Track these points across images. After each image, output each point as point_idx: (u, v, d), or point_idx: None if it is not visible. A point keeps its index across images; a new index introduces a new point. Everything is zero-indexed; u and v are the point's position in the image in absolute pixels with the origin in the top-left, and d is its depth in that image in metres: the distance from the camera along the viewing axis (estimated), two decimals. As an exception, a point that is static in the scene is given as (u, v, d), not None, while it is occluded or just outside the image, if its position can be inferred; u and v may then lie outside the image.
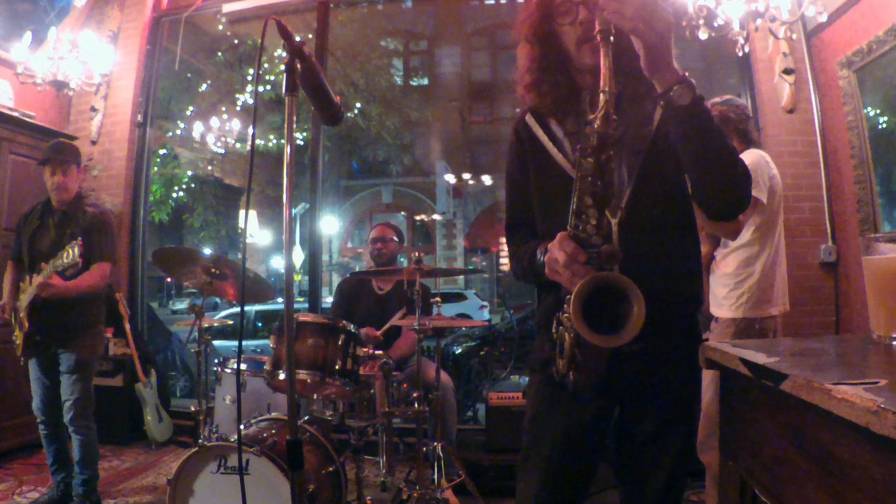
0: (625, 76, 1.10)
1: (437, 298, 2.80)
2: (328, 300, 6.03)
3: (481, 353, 5.34)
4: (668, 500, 1.23)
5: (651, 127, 1.16)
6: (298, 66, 1.14)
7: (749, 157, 2.22)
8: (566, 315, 1.06)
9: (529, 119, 1.30)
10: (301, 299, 8.01)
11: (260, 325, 8.05)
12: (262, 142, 11.03)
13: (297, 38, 1.14)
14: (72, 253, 2.33)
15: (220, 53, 10.09)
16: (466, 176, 17.35)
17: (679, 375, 1.21)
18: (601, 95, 0.99)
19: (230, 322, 5.98)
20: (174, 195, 12.05)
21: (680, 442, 1.23)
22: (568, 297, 1.04)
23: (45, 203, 2.75)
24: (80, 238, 2.39)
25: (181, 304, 19.16)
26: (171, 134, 10.52)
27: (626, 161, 1.16)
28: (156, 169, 10.86)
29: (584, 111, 1.23)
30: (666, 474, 1.22)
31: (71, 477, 2.73)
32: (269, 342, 2.34)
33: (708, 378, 2.23)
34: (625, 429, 1.27)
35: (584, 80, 1.25)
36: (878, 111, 3.14)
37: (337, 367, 2.27)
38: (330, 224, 16.31)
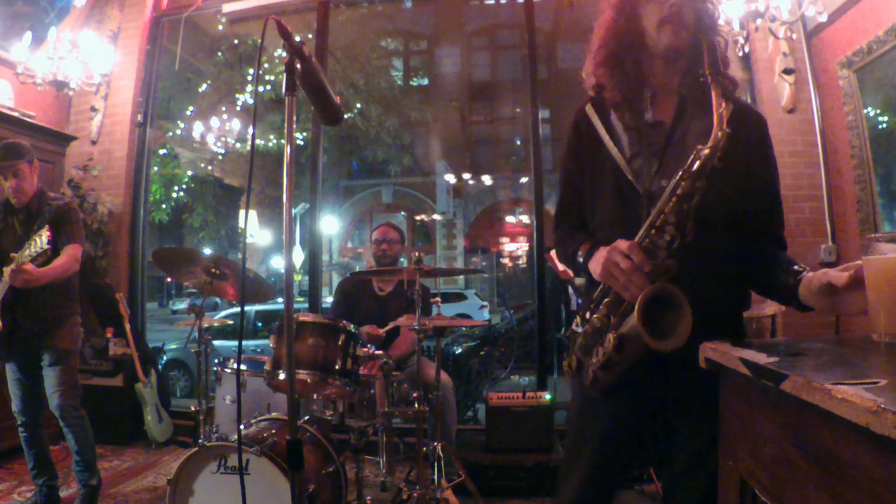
0: (692, 80, 1.19)
1: (437, 298, 2.80)
2: (328, 300, 6.03)
3: (481, 353, 5.33)
4: None
5: (707, 140, 1.09)
6: (298, 66, 1.15)
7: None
8: (598, 315, 1.14)
9: (589, 110, 1.29)
10: (301, 299, 8.00)
11: (260, 325, 8.04)
12: (262, 142, 11.02)
13: (297, 38, 1.14)
14: (40, 241, 2.29)
15: (220, 53, 10.10)
16: (466, 176, 17.36)
17: None
18: (718, 133, 1.04)
19: (230, 322, 6.01)
20: (174, 195, 12.05)
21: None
22: (595, 295, 1.13)
23: (5, 203, 2.66)
24: (47, 226, 2.34)
25: (181, 304, 19.20)
26: (171, 134, 10.52)
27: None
28: (156, 169, 10.86)
29: (643, 108, 1.25)
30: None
31: (53, 480, 2.68)
32: (269, 342, 2.34)
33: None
34: (671, 436, 1.23)
35: (652, 66, 1.25)
36: (878, 111, 3.14)
37: (337, 367, 2.27)
38: (330, 224, 16.31)
